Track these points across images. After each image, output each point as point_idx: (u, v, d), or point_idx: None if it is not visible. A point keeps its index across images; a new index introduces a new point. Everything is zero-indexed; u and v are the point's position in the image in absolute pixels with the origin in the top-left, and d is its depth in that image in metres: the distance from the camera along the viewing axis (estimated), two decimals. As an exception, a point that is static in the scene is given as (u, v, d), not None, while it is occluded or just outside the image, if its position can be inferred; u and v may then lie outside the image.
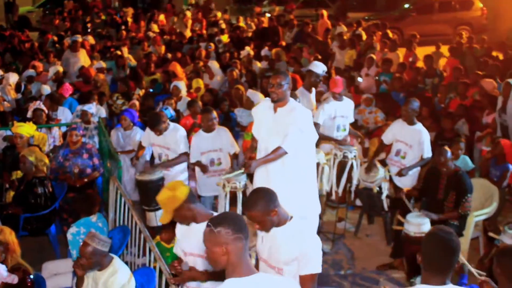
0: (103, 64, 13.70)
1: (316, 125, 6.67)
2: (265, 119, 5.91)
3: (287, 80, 5.64)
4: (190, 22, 20.45)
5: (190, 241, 4.42)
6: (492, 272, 4.15)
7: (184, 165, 7.62)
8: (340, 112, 7.59)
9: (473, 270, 6.28)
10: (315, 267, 3.96)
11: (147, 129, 7.65)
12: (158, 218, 6.42)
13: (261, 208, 3.91)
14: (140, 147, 7.94)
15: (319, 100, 8.78)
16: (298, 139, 5.64)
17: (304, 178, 5.85)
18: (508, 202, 8.29)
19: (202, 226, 3.84)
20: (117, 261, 4.94)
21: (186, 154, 7.43)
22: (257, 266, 4.35)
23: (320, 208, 6.26)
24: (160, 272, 5.15)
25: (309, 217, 5.81)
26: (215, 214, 3.95)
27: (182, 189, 4.21)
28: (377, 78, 12.22)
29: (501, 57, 13.75)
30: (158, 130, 7.32)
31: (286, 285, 3.10)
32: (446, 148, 6.61)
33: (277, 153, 5.60)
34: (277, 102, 5.72)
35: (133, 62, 15.32)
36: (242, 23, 20.56)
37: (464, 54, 13.30)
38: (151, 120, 7.44)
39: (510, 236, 5.72)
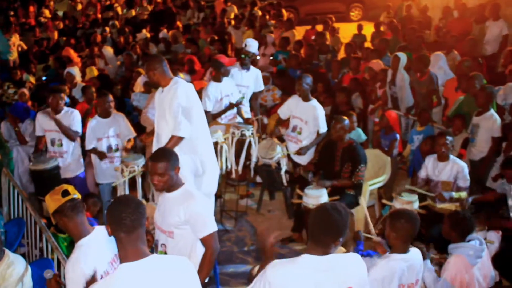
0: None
1: (207, 113, 6.72)
2: (157, 103, 5.91)
3: (155, 66, 5.64)
4: (80, 6, 19.78)
5: None
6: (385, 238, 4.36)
7: (78, 153, 7.53)
8: (225, 92, 7.63)
9: (370, 235, 6.58)
10: (212, 226, 4.23)
11: (39, 117, 7.43)
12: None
13: (169, 161, 4.18)
14: (39, 138, 7.65)
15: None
16: (182, 117, 5.64)
17: (197, 148, 5.87)
18: (401, 170, 8.69)
19: (79, 244, 3.79)
20: (10, 254, 4.77)
21: (77, 134, 7.39)
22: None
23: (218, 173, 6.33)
24: (59, 262, 5.03)
25: (206, 182, 5.97)
26: (91, 234, 3.86)
27: (55, 199, 3.87)
28: (271, 57, 12.36)
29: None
30: (59, 98, 7.22)
31: (177, 264, 3.11)
32: (343, 117, 6.82)
33: (172, 143, 5.60)
34: (155, 87, 5.84)
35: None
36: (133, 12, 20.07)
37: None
38: (54, 89, 7.39)
39: (401, 202, 6.03)
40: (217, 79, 7.61)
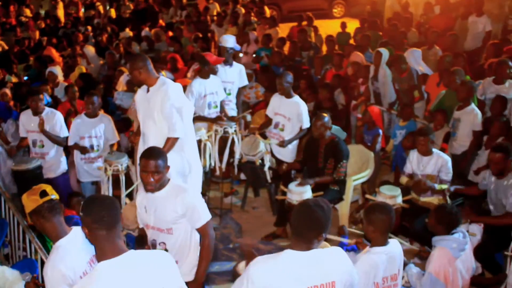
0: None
1: None
2: (141, 102, 5.89)
3: (139, 65, 5.60)
4: (61, 4, 19.65)
5: None
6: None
7: (60, 153, 7.52)
8: (210, 90, 7.60)
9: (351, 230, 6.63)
10: (206, 214, 4.31)
11: (22, 118, 7.43)
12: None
13: (163, 159, 4.21)
14: (21, 139, 7.66)
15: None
16: (177, 117, 5.65)
17: (184, 147, 5.87)
18: (384, 165, 8.75)
19: (57, 245, 3.74)
20: None
21: (65, 140, 7.34)
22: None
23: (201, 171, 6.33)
24: (43, 262, 5.01)
25: (191, 181, 5.97)
26: (68, 234, 3.79)
27: (32, 199, 3.81)
28: (254, 55, 12.38)
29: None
30: (38, 100, 7.21)
31: (156, 258, 3.12)
32: (324, 114, 6.85)
33: (169, 144, 5.60)
34: (139, 86, 5.80)
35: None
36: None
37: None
38: (32, 91, 7.39)
39: (384, 197, 6.07)
40: (203, 75, 7.60)
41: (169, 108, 5.58)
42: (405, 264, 4.71)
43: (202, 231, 4.29)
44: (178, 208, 4.20)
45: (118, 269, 2.92)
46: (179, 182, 4.46)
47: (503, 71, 7.81)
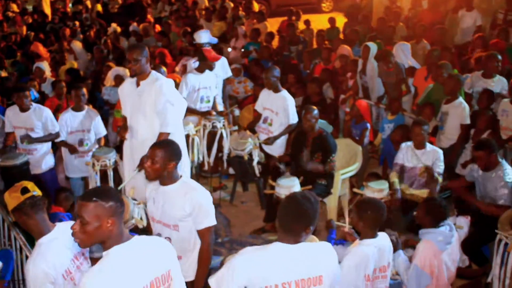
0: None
1: None
2: (130, 95, 5.87)
3: (143, 54, 5.60)
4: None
5: None
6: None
7: (47, 147, 7.45)
8: (203, 84, 7.60)
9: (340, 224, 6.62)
10: (212, 219, 4.21)
11: (8, 113, 7.39)
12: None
13: (165, 151, 4.08)
14: (8, 134, 7.58)
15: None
16: (172, 113, 5.65)
17: None
18: (372, 159, 8.77)
19: (39, 242, 3.72)
20: None
21: (58, 135, 7.29)
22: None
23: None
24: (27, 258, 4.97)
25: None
26: (52, 231, 3.75)
27: (14, 196, 3.77)
28: (243, 50, 12.36)
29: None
30: (24, 96, 7.12)
31: (162, 244, 3.22)
32: (313, 106, 6.84)
33: (162, 139, 5.54)
34: (135, 76, 5.74)
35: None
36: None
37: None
38: (17, 88, 7.38)
39: (372, 190, 6.07)
40: (199, 69, 7.61)
41: (163, 104, 5.59)
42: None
43: (202, 234, 4.18)
44: (186, 206, 4.10)
45: (130, 252, 2.98)
46: (190, 181, 4.35)
47: (492, 64, 7.84)
